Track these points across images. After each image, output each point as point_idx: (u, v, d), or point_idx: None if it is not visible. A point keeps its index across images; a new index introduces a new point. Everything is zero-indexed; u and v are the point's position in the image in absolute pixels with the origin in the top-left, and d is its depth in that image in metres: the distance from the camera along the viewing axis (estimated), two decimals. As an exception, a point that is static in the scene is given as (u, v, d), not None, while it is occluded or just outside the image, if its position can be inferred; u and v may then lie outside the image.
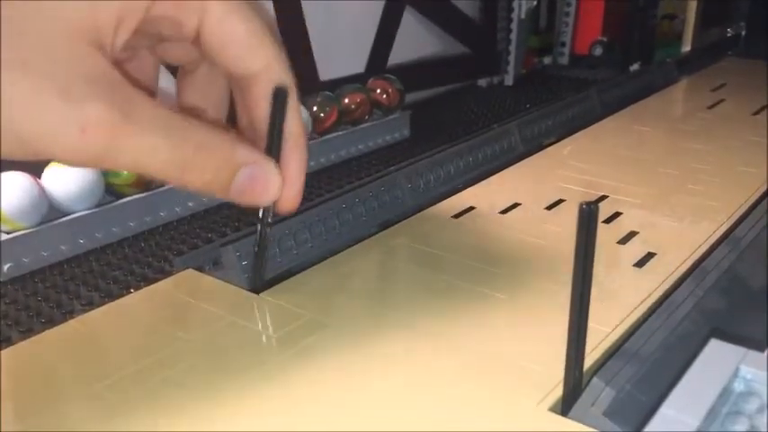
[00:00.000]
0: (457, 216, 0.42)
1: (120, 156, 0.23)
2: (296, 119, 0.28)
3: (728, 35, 0.98)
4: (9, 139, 0.21)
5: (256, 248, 0.32)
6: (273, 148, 0.27)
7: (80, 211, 0.40)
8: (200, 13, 0.25)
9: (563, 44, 0.84)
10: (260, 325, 0.30)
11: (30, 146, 0.22)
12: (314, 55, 0.60)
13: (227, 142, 0.25)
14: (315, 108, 0.52)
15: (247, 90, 0.27)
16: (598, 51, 0.82)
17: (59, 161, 0.23)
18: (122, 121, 0.22)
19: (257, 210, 0.30)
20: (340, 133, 0.54)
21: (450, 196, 0.45)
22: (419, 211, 0.43)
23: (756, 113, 0.63)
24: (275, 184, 0.26)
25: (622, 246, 0.39)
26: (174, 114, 0.24)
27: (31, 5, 0.21)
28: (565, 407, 0.26)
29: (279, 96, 0.26)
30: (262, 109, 0.27)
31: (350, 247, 0.38)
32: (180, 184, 0.24)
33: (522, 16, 0.75)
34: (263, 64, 0.26)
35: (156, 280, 0.35)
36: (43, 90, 0.21)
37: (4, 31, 0.20)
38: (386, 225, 0.41)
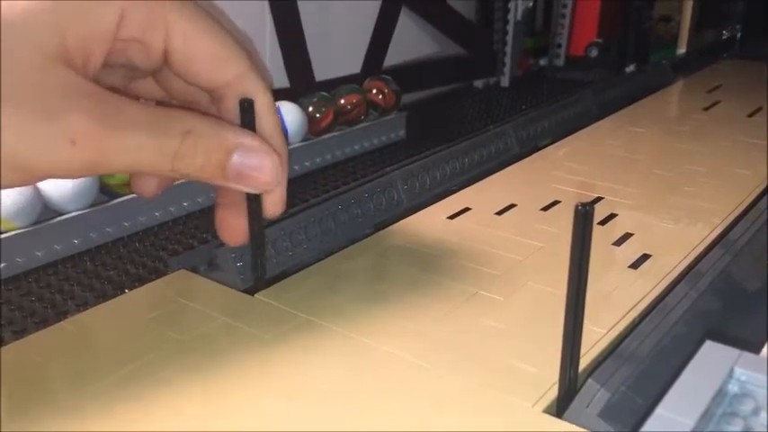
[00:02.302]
0: (452, 217, 0.42)
1: (112, 160, 0.23)
2: (270, 121, 0.28)
3: (724, 37, 0.98)
4: (6, 169, 0.22)
5: (253, 248, 0.32)
6: None
7: (74, 210, 0.40)
8: (165, 32, 0.25)
9: (559, 45, 0.84)
10: (254, 326, 0.30)
11: (27, 171, 0.22)
12: (310, 55, 0.60)
13: (215, 126, 0.25)
14: (311, 109, 0.52)
15: (221, 101, 0.27)
16: (594, 53, 0.82)
17: (59, 178, 0.23)
18: (106, 126, 0.22)
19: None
20: (336, 134, 0.54)
21: (445, 197, 0.45)
22: (415, 213, 0.43)
23: (752, 115, 0.63)
24: (271, 168, 0.26)
25: (617, 247, 0.39)
26: (156, 109, 0.25)
27: None
28: (560, 408, 0.26)
29: (245, 109, 0.27)
30: (236, 119, 0.27)
31: (345, 248, 0.38)
32: (174, 174, 0.25)
33: (519, 17, 0.75)
34: (233, 75, 0.26)
35: (150, 280, 0.35)
36: (25, 114, 0.21)
37: None
38: (381, 226, 0.41)
